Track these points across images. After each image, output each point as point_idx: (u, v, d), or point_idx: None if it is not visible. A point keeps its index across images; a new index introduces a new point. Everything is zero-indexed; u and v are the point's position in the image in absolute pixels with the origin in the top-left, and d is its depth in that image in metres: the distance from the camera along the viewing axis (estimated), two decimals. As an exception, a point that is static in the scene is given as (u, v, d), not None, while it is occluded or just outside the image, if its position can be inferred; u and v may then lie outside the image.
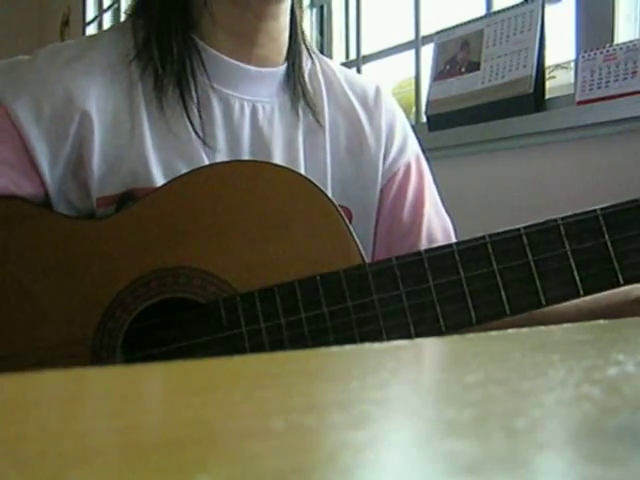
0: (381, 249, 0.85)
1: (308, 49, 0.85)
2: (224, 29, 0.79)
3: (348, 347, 0.38)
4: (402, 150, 0.87)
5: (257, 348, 0.66)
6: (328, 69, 0.87)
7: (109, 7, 3.69)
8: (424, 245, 0.84)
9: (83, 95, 0.73)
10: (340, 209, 0.70)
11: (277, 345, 0.66)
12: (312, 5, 2.37)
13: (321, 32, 2.35)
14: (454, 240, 0.87)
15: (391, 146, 0.86)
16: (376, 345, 0.38)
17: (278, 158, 0.79)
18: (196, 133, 0.76)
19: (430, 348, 0.42)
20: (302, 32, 0.85)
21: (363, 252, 0.69)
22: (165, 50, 0.77)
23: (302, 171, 0.80)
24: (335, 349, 0.40)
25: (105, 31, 0.86)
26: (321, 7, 2.38)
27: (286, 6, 0.80)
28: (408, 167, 0.87)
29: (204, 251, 0.68)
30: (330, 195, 0.81)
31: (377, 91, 0.89)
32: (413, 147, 0.89)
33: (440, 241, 0.85)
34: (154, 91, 0.76)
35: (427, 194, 0.87)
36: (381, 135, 0.86)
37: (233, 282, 0.68)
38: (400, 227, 0.85)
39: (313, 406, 0.24)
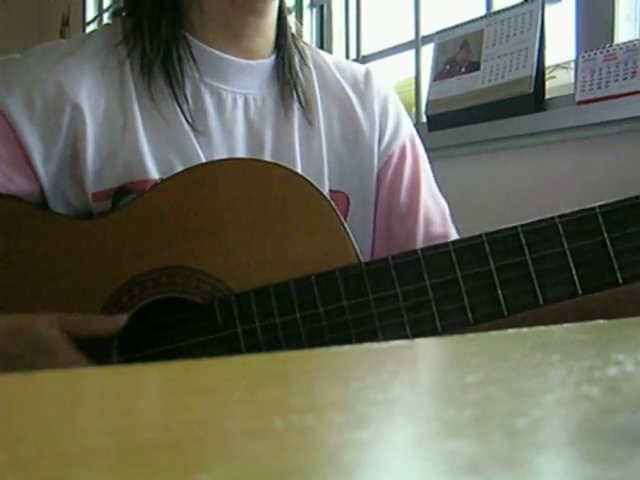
0: (381, 233, 0.85)
1: (297, 45, 0.86)
2: (212, 22, 0.79)
3: (348, 347, 0.38)
4: (396, 132, 0.87)
5: (252, 348, 0.66)
6: (319, 57, 0.88)
7: (109, 7, 3.69)
8: (421, 228, 0.84)
9: (74, 89, 0.73)
10: (336, 207, 0.70)
11: (272, 345, 0.66)
12: (312, 5, 2.37)
13: (321, 32, 2.35)
14: (451, 223, 0.87)
15: (385, 129, 0.86)
16: (376, 345, 0.38)
17: (271, 149, 0.80)
18: (185, 119, 0.76)
19: (430, 348, 0.42)
20: (290, 28, 0.85)
21: (359, 251, 0.69)
22: (152, 35, 0.77)
23: (297, 160, 0.80)
24: (335, 349, 0.40)
25: (95, 29, 0.87)
26: (321, 7, 2.38)
27: (275, 4, 0.80)
28: (403, 149, 0.87)
29: (199, 251, 0.68)
30: (327, 181, 0.81)
31: (367, 74, 0.89)
32: (407, 128, 0.89)
33: (437, 223, 0.85)
34: (144, 81, 0.76)
35: (423, 176, 0.87)
36: (374, 119, 0.86)
37: (229, 281, 0.68)
38: (398, 210, 0.85)
39: (313, 406, 0.24)
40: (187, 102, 0.77)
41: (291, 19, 0.86)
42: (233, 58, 0.80)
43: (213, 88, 0.79)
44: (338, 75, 0.87)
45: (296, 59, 0.84)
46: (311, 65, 0.86)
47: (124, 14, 0.82)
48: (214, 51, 0.79)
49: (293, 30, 0.86)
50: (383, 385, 0.28)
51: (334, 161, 0.83)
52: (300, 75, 0.84)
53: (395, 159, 0.86)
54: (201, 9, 0.79)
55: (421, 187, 0.86)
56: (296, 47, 0.85)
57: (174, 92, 0.76)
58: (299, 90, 0.83)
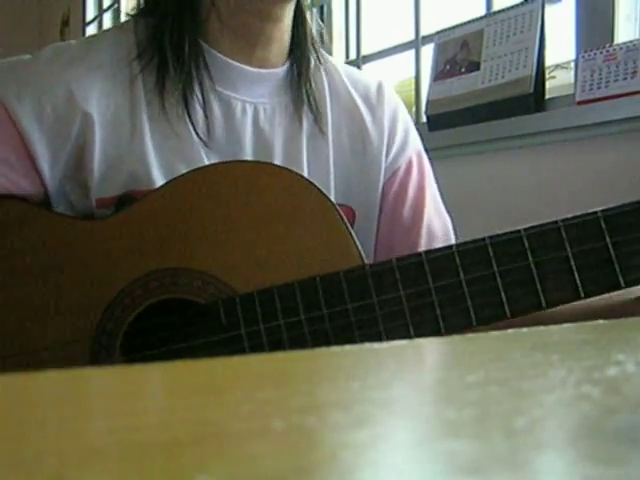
0: (382, 247, 0.85)
1: (317, 51, 0.85)
2: (228, 30, 0.79)
3: (348, 347, 0.38)
4: (404, 147, 0.87)
5: (256, 349, 0.66)
6: (331, 67, 0.87)
7: (109, 7, 3.69)
8: (424, 242, 0.84)
9: (84, 96, 0.73)
10: (340, 210, 0.70)
11: (276, 346, 0.66)
12: (312, 5, 2.37)
13: (321, 32, 2.35)
14: (453, 238, 0.87)
15: (393, 143, 0.86)
16: (376, 345, 0.38)
17: (279, 159, 0.79)
18: (197, 134, 0.76)
19: (430, 348, 0.42)
20: (311, 34, 0.84)
21: (363, 253, 0.69)
22: (176, 51, 0.76)
23: (305, 171, 0.80)
24: (335, 349, 0.40)
25: (106, 31, 0.86)
26: (321, 7, 2.38)
27: (290, 8, 0.80)
28: (409, 164, 0.87)
29: (204, 252, 0.68)
30: (333, 195, 0.81)
31: (379, 87, 0.88)
32: (415, 143, 0.89)
33: (439, 238, 0.85)
34: (156, 90, 0.76)
35: (428, 191, 0.87)
36: (383, 132, 0.86)
37: (233, 283, 0.68)
38: (401, 224, 0.85)
39: (313, 406, 0.24)
40: (205, 115, 0.77)
41: (311, 18, 0.85)
42: (245, 67, 0.79)
43: (223, 96, 0.78)
44: (349, 85, 0.86)
45: (311, 66, 0.84)
46: (323, 75, 0.85)
47: (137, 14, 0.81)
48: (227, 59, 0.79)
49: (314, 30, 0.85)
50: (383, 385, 0.28)
51: (341, 174, 0.83)
52: (313, 84, 0.83)
53: (401, 173, 0.86)
54: (219, 18, 0.78)
55: (425, 201, 0.86)
56: (314, 50, 0.84)
57: (186, 103, 0.76)
58: (311, 99, 0.82)
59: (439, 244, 0.84)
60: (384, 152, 0.85)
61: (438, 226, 0.86)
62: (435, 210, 0.87)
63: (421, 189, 0.87)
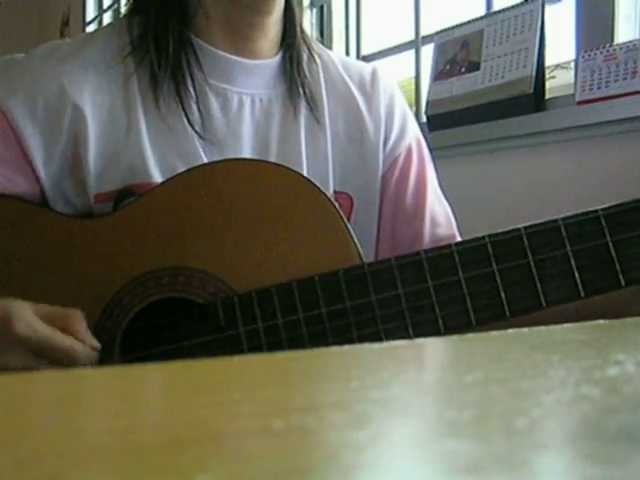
0: (385, 235, 0.84)
1: (306, 42, 0.85)
2: (219, 25, 0.79)
3: (348, 347, 0.38)
4: (402, 134, 0.86)
5: (255, 348, 0.66)
6: (325, 56, 0.87)
7: (109, 7, 3.69)
8: (428, 229, 0.84)
9: (76, 90, 0.73)
10: (339, 202, 0.70)
11: (275, 346, 0.66)
12: (312, 5, 2.37)
13: (321, 32, 2.35)
14: (454, 223, 0.87)
15: (391, 131, 0.86)
16: (376, 345, 0.38)
17: (277, 149, 0.79)
18: (192, 128, 0.76)
19: (430, 348, 0.42)
20: (300, 27, 0.84)
21: (362, 252, 0.69)
22: (161, 47, 0.77)
23: (303, 161, 0.80)
24: (335, 349, 0.40)
25: (100, 29, 0.87)
26: (321, 7, 2.38)
27: (280, 2, 0.80)
28: (409, 151, 0.86)
29: (202, 251, 0.68)
30: (331, 184, 0.81)
31: (373, 74, 0.88)
32: (413, 130, 0.88)
33: (443, 225, 0.84)
34: (150, 87, 0.76)
35: (429, 178, 0.87)
36: (380, 121, 0.85)
37: (231, 282, 0.68)
38: (404, 212, 0.84)
39: (313, 406, 0.24)
40: (198, 109, 0.76)
41: (299, 11, 0.85)
42: (239, 59, 0.79)
43: (219, 90, 0.79)
44: (344, 74, 0.86)
45: (304, 56, 0.84)
46: (318, 62, 0.85)
47: (129, 12, 0.81)
48: (220, 52, 0.79)
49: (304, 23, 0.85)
50: (383, 385, 0.28)
51: (339, 162, 0.83)
52: (307, 73, 0.83)
53: (401, 160, 0.86)
54: (207, 13, 0.78)
55: (427, 188, 0.86)
56: (305, 42, 0.84)
57: (181, 98, 0.76)
58: (306, 89, 0.82)
59: (443, 231, 0.84)
60: (381, 141, 0.85)
61: (440, 213, 0.86)
62: (436, 197, 0.87)
63: (422, 176, 0.86)
